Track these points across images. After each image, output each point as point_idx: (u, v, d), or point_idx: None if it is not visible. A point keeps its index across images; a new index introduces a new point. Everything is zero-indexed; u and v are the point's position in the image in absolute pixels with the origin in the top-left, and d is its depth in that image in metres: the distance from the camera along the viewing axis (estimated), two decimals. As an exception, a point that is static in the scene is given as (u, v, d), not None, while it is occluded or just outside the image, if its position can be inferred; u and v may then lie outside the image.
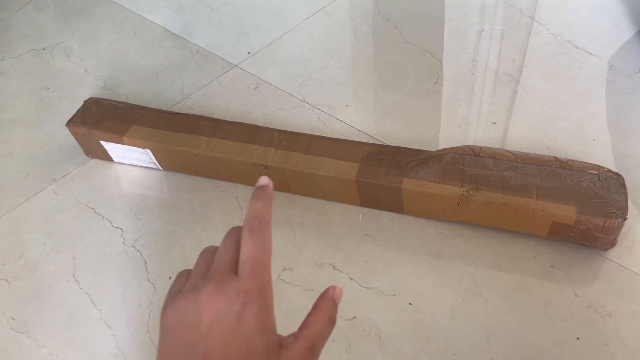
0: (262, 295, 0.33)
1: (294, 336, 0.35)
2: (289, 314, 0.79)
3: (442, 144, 0.98)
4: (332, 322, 0.37)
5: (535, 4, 1.27)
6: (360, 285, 0.81)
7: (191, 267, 0.83)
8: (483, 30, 1.22)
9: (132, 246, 0.90)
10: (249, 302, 0.33)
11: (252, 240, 0.35)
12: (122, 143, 0.96)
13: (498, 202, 0.80)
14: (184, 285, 0.37)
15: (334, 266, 0.84)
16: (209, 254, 0.39)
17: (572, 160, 0.84)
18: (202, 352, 0.32)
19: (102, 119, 0.98)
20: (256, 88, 1.15)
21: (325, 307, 0.37)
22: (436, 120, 1.04)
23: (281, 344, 0.35)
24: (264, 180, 0.38)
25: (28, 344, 0.80)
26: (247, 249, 0.34)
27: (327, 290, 0.39)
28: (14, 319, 0.83)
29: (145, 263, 0.87)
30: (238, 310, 0.32)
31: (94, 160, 1.04)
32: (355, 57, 1.21)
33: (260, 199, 0.36)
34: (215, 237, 0.89)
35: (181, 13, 1.40)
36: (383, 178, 0.84)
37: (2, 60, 1.31)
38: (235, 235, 0.37)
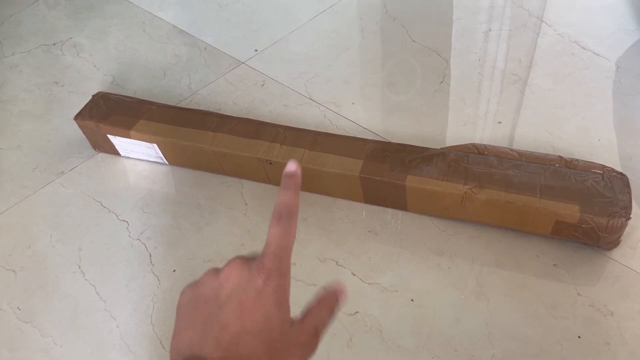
0: (281, 275, 0.35)
1: (300, 320, 0.38)
2: (291, 308, 0.79)
3: (448, 143, 0.99)
4: (333, 313, 0.39)
5: (543, 5, 1.27)
6: (363, 281, 0.82)
7: (195, 259, 0.84)
8: (490, 30, 1.22)
9: (138, 239, 0.91)
10: (269, 279, 0.35)
11: (278, 226, 0.36)
12: (129, 137, 0.97)
13: (501, 200, 0.80)
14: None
15: (337, 262, 0.84)
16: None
17: (577, 160, 0.84)
18: (220, 321, 0.34)
19: (110, 113, 0.99)
20: (263, 85, 1.16)
21: (329, 300, 0.39)
22: (442, 119, 1.05)
23: (291, 323, 0.37)
24: (292, 166, 0.38)
25: (33, 333, 0.81)
26: (273, 233, 0.36)
27: (332, 285, 0.40)
28: (19, 309, 0.84)
29: (150, 256, 0.88)
30: (258, 285, 0.34)
31: (101, 154, 1.05)
32: (362, 56, 1.21)
33: (289, 188, 0.38)
34: (220, 232, 0.90)
35: (190, 10, 1.41)
36: (387, 175, 0.85)
37: (13, 54, 1.32)
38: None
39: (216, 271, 0.36)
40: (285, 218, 0.37)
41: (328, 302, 0.39)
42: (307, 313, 0.38)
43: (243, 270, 0.35)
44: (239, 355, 0.33)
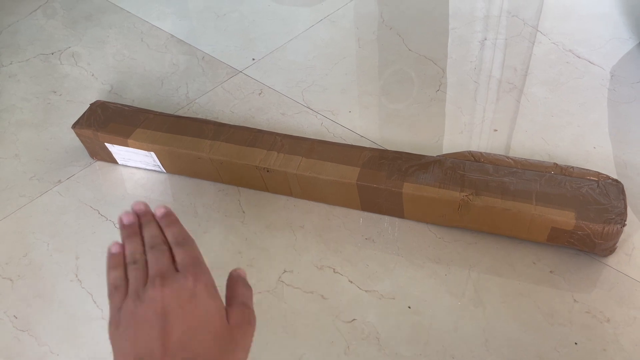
0: (204, 272, 0.40)
1: (228, 305, 0.42)
2: (288, 316, 0.79)
3: (444, 151, 0.99)
4: (248, 285, 0.44)
5: (538, 14, 1.28)
6: (360, 289, 0.82)
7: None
8: (486, 39, 1.23)
9: (135, 247, 0.91)
10: (198, 279, 0.39)
11: (183, 247, 0.42)
12: (127, 145, 0.97)
13: (498, 207, 0.80)
14: (123, 301, 0.40)
15: (334, 269, 0.84)
16: (136, 265, 0.42)
17: (572, 167, 0.84)
18: (165, 330, 0.36)
19: (108, 122, 1.00)
20: (260, 94, 1.17)
21: (237, 278, 0.44)
22: (438, 127, 1.05)
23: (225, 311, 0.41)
24: (140, 207, 0.45)
25: (30, 342, 0.80)
26: (181, 253, 0.41)
27: (231, 273, 0.46)
28: (16, 318, 0.84)
29: (147, 264, 0.88)
30: (190, 286, 0.38)
31: (99, 163, 1.05)
32: (358, 65, 1.22)
33: (171, 225, 0.44)
34: (217, 240, 0.90)
35: (188, 20, 1.42)
36: (384, 182, 0.85)
37: (11, 64, 1.33)
38: (159, 248, 0.42)
39: (142, 292, 0.38)
40: (184, 241, 0.43)
41: (238, 280, 0.44)
42: (229, 297, 0.42)
43: (170, 281, 0.38)
44: (191, 355, 0.35)
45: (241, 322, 0.39)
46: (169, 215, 0.45)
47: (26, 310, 0.84)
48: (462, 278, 0.81)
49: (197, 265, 0.40)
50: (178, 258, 0.41)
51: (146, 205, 0.45)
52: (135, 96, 1.19)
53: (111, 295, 0.41)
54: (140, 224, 0.44)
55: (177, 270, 0.40)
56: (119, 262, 0.44)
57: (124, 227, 0.45)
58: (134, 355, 0.36)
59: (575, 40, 1.20)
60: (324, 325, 0.78)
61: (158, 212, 0.45)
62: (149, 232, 0.44)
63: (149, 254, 0.41)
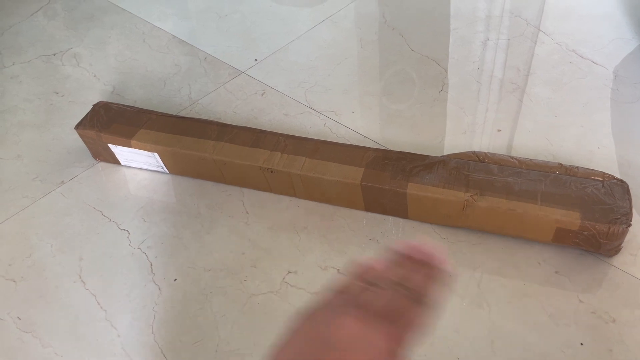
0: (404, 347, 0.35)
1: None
2: (292, 317, 0.79)
3: (447, 151, 0.99)
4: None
5: (540, 14, 1.28)
6: (365, 289, 0.81)
7: (196, 268, 0.84)
8: (488, 39, 1.23)
9: (138, 248, 0.90)
10: (390, 343, 0.34)
11: (409, 305, 0.36)
12: (130, 146, 0.97)
13: (503, 207, 0.80)
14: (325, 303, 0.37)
15: (338, 270, 0.84)
16: (366, 288, 0.38)
17: (577, 167, 0.84)
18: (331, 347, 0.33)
19: (111, 123, 0.99)
20: (263, 94, 1.17)
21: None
22: (441, 127, 1.05)
23: None
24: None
25: (34, 343, 0.80)
26: (398, 309, 0.36)
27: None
28: (20, 319, 0.83)
29: (151, 265, 0.88)
30: (381, 346, 0.33)
31: (102, 164, 1.05)
32: (361, 65, 1.22)
33: (422, 275, 0.38)
34: (221, 241, 0.90)
35: (189, 20, 1.41)
36: (388, 182, 0.85)
37: (13, 65, 1.32)
38: (393, 289, 0.37)
39: (330, 312, 0.35)
40: (414, 300, 0.37)
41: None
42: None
43: (359, 323, 0.34)
44: None
45: None
46: (431, 265, 0.39)
47: (30, 312, 0.84)
48: (467, 279, 0.81)
49: (402, 329, 0.35)
50: (391, 311, 0.36)
51: (423, 248, 0.40)
52: (137, 97, 1.19)
53: (330, 292, 0.38)
54: (405, 259, 0.40)
55: (383, 317, 0.35)
56: (361, 274, 0.40)
57: (391, 251, 0.41)
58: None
59: (578, 40, 1.20)
60: (329, 326, 0.77)
61: (427, 255, 0.40)
62: (400, 272, 0.39)
63: (380, 289, 0.37)
